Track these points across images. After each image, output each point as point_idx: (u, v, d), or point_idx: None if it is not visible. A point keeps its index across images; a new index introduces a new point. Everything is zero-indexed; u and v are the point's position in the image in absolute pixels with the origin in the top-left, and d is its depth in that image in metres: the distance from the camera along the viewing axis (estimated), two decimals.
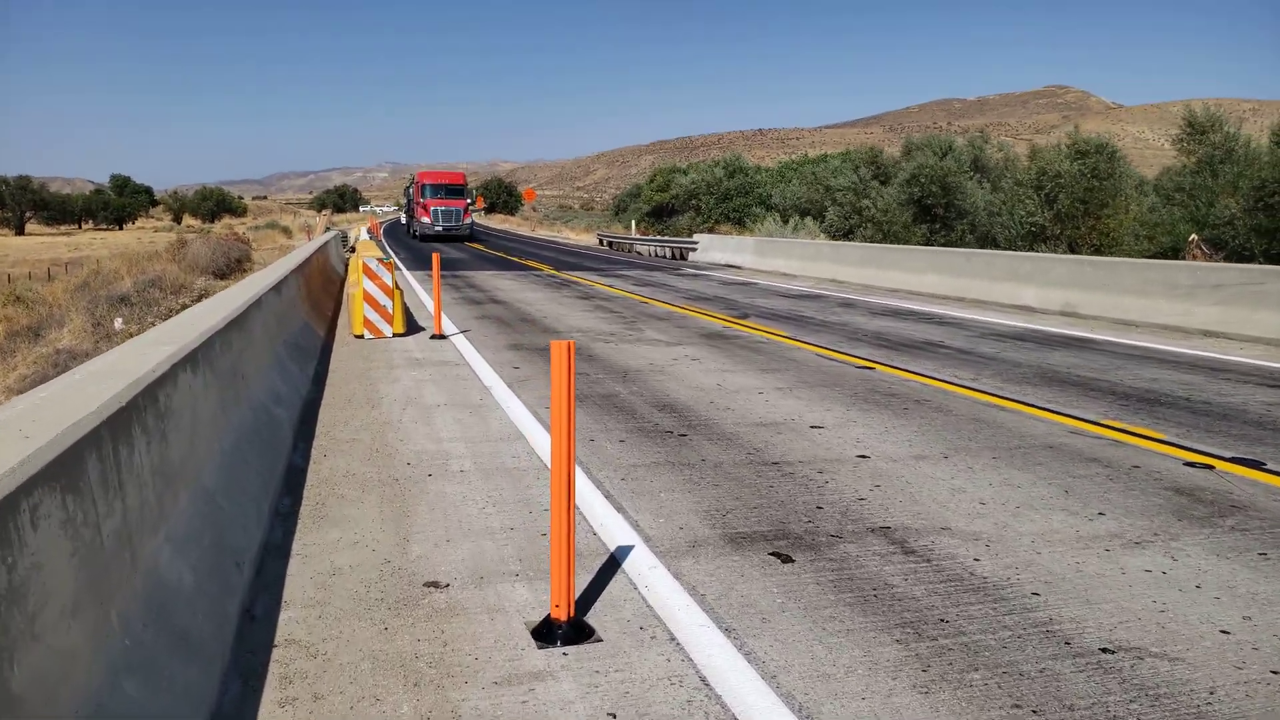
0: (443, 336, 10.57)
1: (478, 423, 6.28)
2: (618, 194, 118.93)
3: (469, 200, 44.02)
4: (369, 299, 10.28)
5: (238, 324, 5.18)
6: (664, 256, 31.22)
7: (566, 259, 28.93)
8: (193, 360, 3.73)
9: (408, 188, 53.62)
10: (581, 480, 4.86)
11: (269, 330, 6.69)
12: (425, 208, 41.72)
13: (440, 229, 41.18)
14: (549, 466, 5.00)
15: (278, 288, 7.80)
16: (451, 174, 45.40)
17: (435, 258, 11.36)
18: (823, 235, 32.23)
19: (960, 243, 36.65)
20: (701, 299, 15.71)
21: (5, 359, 20.95)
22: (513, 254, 31.54)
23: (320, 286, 12.97)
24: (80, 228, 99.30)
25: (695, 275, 21.60)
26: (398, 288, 10.60)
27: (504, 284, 18.55)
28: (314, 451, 5.44)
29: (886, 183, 42.74)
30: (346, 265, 22.47)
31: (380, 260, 10.34)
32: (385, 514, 4.31)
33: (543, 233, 62.55)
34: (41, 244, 69.64)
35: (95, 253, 49.94)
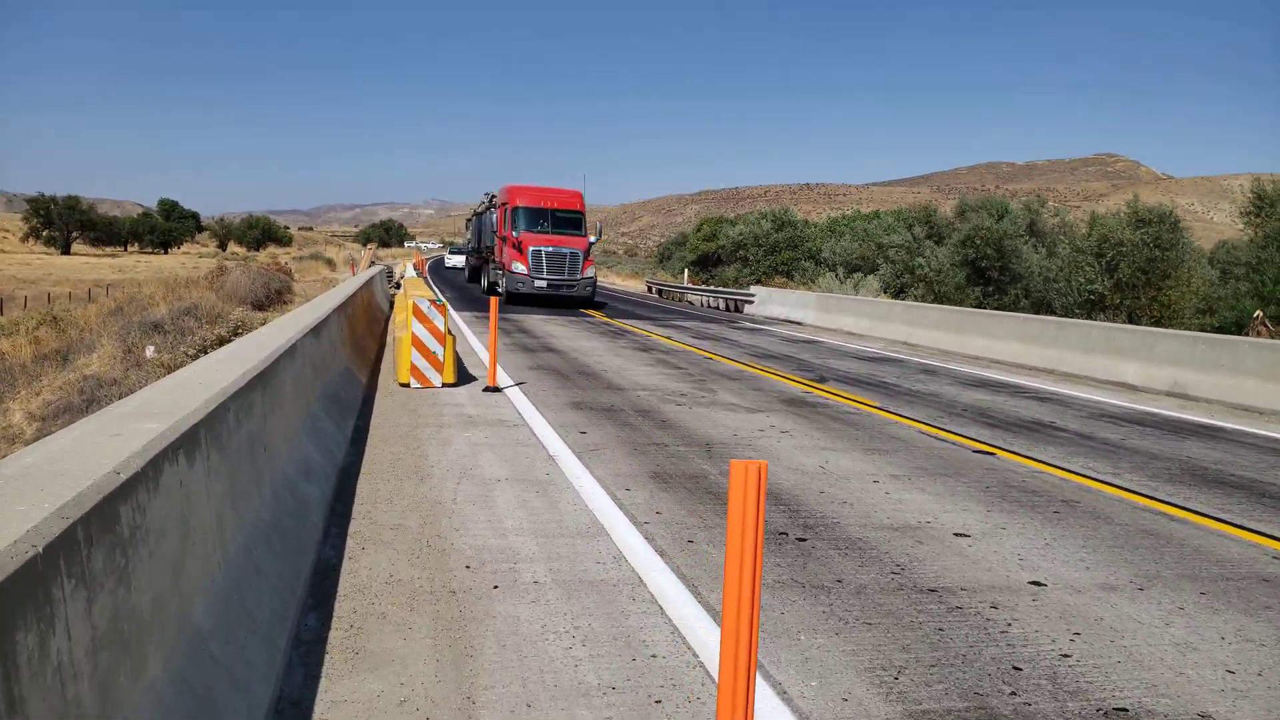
0: (497, 389, 9.55)
1: (547, 507, 5.19)
2: (662, 241, 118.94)
3: (591, 239, 26.15)
4: (418, 344, 9.32)
5: (264, 380, 4.18)
6: (717, 308, 30.22)
7: (618, 305, 28.03)
8: (191, 443, 2.70)
9: (480, 213, 33.91)
10: (692, 607, 3.74)
11: (303, 383, 5.71)
12: (519, 247, 24.35)
13: (545, 284, 24.18)
14: (644, 581, 3.89)
15: (316, 330, 6.84)
16: (564, 194, 26.50)
17: (494, 302, 10.37)
18: (883, 294, 31.05)
19: (1014, 307, 35.35)
20: (769, 356, 14.60)
21: (31, 383, 20.36)
22: None
23: (364, 326, 12.09)
24: (126, 250, 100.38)
25: (755, 330, 20.52)
26: (450, 333, 9.63)
27: (556, 330, 17.61)
28: (350, 541, 4.38)
29: (940, 243, 41.65)
30: (391, 303, 21.74)
31: (432, 302, 9.39)
32: (441, 652, 3.21)
33: None
34: (86, 264, 70.11)
35: (138, 275, 50.12)
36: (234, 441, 3.35)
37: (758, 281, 51.49)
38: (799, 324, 22.91)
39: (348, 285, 14.50)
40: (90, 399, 18.50)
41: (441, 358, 9.42)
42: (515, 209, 25.20)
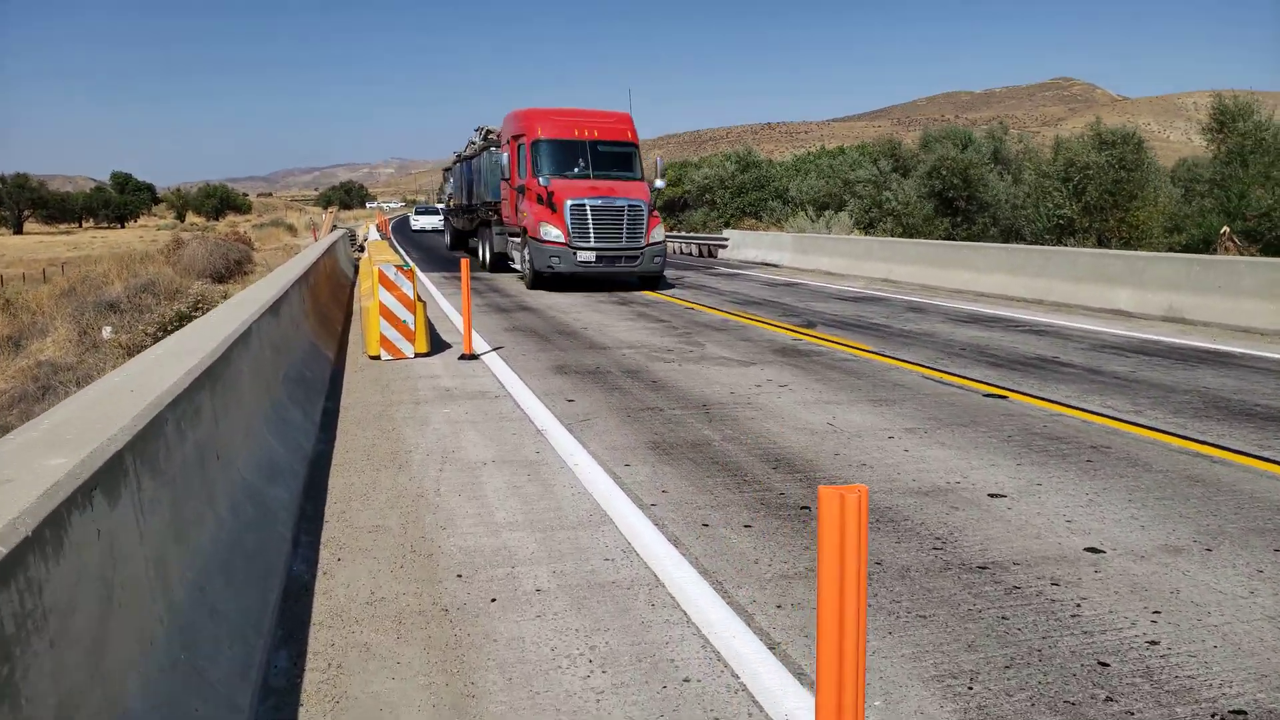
0: (474, 356, 8.99)
1: (542, 493, 4.70)
2: None
3: (658, 184, 17.82)
4: (386, 314, 8.71)
5: (213, 377, 3.62)
6: (690, 254, 29.62)
7: None
8: (114, 477, 2.16)
9: (468, 157, 24.28)
10: (720, 610, 3.28)
11: (263, 370, 5.14)
12: (548, 201, 15.94)
13: (594, 256, 15.91)
14: (661, 580, 3.43)
15: (275, 307, 6.24)
16: (608, 118, 17.49)
17: (464, 264, 9.70)
18: (856, 230, 30.57)
19: (982, 236, 35.22)
20: (751, 303, 14.11)
21: None
22: None
23: (329, 296, 11.42)
24: (81, 226, 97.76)
25: (733, 275, 19.99)
26: (420, 299, 9.02)
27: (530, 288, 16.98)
28: (323, 551, 3.87)
29: (906, 175, 41.29)
30: (356, 268, 20.93)
31: (399, 268, 8.75)
32: (438, 694, 2.72)
33: None
34: (39, 243, 68.17)
35: (94, 252, 48.53)
36: (176, 459, 2.80)
37: (727, 224, 50.79)
38: (776, 266, 22.40)
39: (309, 253, 13.75)
40: (45, 386, 17.70)
41: (413, 326, 8.83)
42: (537, 143, 16.48)
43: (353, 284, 17.26)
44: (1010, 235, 35.74)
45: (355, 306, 13.29)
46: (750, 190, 52.77)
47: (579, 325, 11.51)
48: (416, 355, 8.93)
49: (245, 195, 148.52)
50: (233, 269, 20.93)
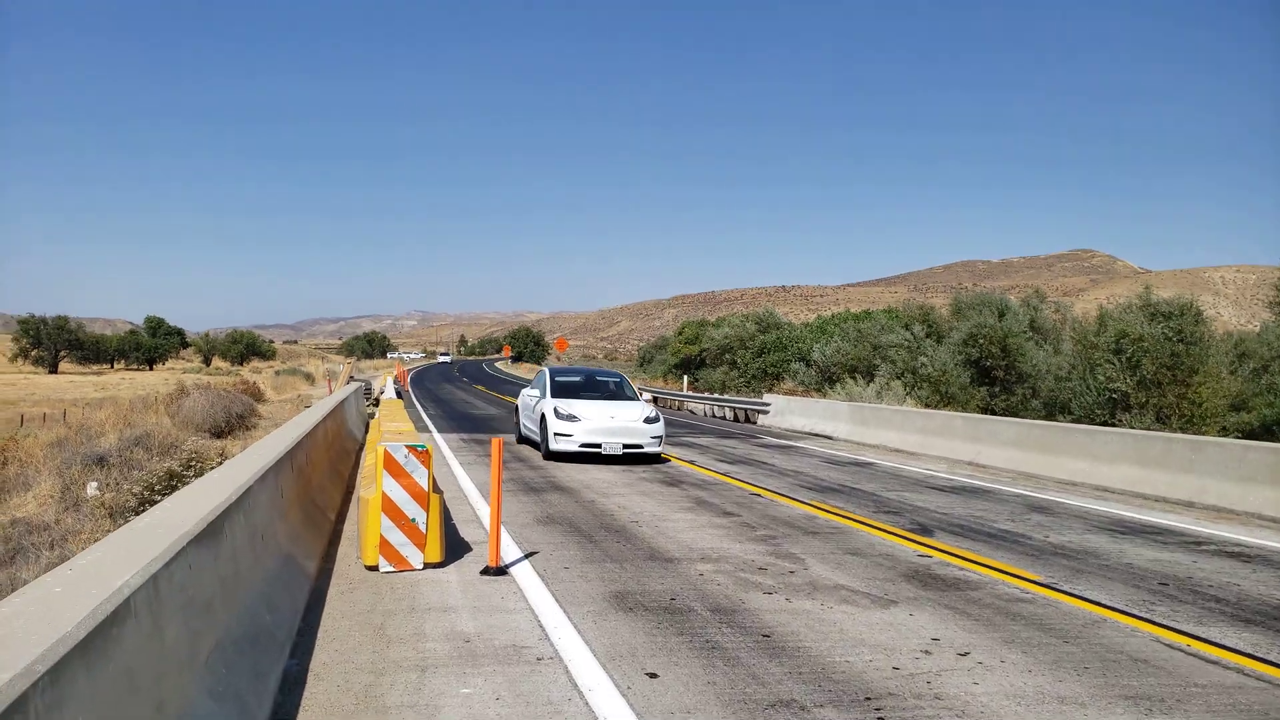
0: (501, 570, 6.70)
1: None
2: (641, 345, 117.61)
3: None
4: (391, 510, 6.52)
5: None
6: (723, 418, 27.60)
7: None
8: None
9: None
10: None
11: (169, 653, 2.91)
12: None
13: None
14: None
15: (214, 532, 4.08)
16: None
17: (497, 444, 7.46)
18: (910, 401, 28.55)
19: (1023, 408, 33.35)
20: (827, 489, 11.84)
21: None
22: None
23: (326, 470, 9.29)
24: (112, 368, 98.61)
25: (786, 448, 17.78)
26: (436, 490, 6.83)
27: None
28: None
29: (940, 341, 39.94)
30: (367, 426, 18.92)
31: (412, 449, 6.62)
32: None
33: None
34: (70, 383, 68.08)
35: (121, 393, 47.52)
36: None
37: (748, 384, 49.25)
38: (830, 439, 20.22)
39: (311, 414, 11.73)
40: (15, 549, 15.50)
41: (424, 527, 6.61)
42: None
43: (361, 446, 15.18)
44: (1054, 408, 33.76)
45: (358, 478, 11.12)
46: (772, 350, 51.55)
47: (628, 517, 9.24)
48: (426, 565, 6.66)
49: (271, 342, 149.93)
50: (234, 423, 19.00)
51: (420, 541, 6.61)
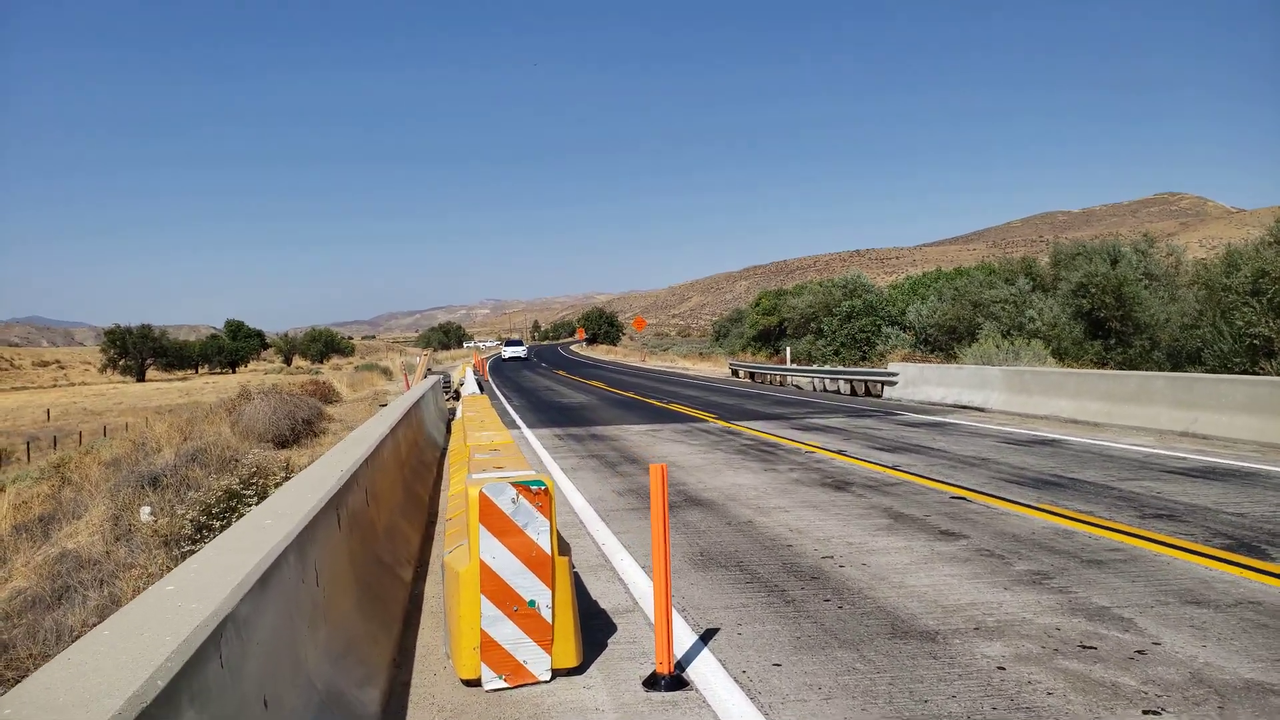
0: (678, 681, 4.12)
1: None
2: (715, 320, 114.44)
3: None
4: (494, 589, 4.00)
5: None
6: (835, 391, 24.68)
7: (715, 399, 22.63)
8: None
9: None
10: None
11: None
12: None
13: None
14: None
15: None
16: None
17: (657, 475, 4.57)
18: (1051, 360, 25.19)
19: (1143, 360, 30.03)
20: (1042, 484, 9.00)
21: (2, 564, 15.61)
22: (646, 394, 25.46)
23: (399, 500, 6.90)
24: (197, 372, 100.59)
25: (937, 426, 14.86)
26: (560, 551, 4.26)
27: (676, 452, 12.23)
28: None
29: (1046, 294, 36.47)
30: (449, 424, 16.67)
31: (522, 488, 4.05)
32: None
33: (655, 363, 56.88)
34: (156, 390, 68.95)
35: (204, 398, 47.13)
36: None
37: (835, 354, 46.04)
38: (981, 410, 17.20)
39: (380, 422, 9.36)
40: (63, 587, 13.70)
41: (549, 612, 4.08)
42: None
43: (442, 452, 12.87)
44: (1180, 359, 30.08)
45: (443, 510, 8.73)
46: (861, 315, 48.32)
47: (812, 547, 6.58)
48: (556, 674, 4.14)
49: (349, 338, 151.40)
50: (300, 430, 16.98)
51: (544, 636, 4.08)
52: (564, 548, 4.28)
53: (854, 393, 23.74)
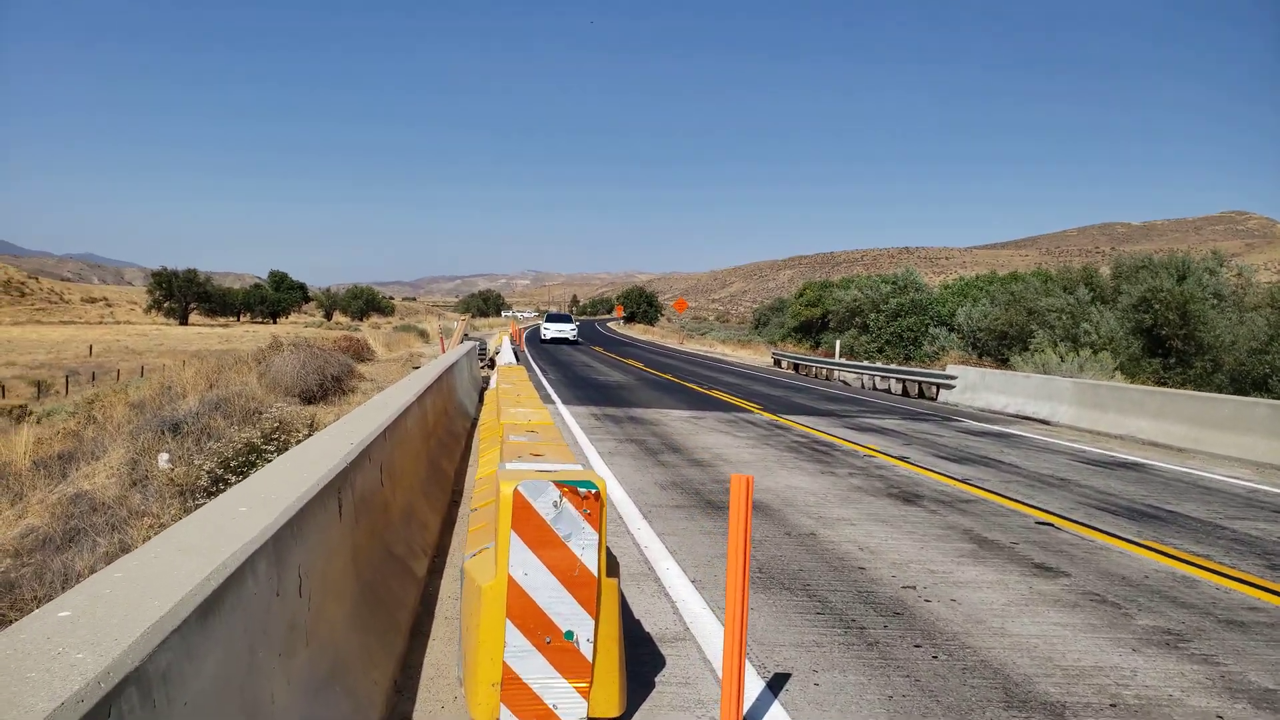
0: None
1: None
2: (755, 307, 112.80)
3: None
4: (524, 613, 3.15)
5: None
6: (885, 390, 23.58)
7: (759, 389, 21.65)
8: None
9: None
10: None
11: None
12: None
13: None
14: None
15: None
16: None
17: (740, 487, 3.65)
18: (1119, 375, 23.87)
19: (1204, 382, 28.65)
20: (1135, 515, 7.97)
21: (17, 500, 15.17)
22: (685, 377, 24.54)
23: (422, 475, 6.09)
24: (239, 320, 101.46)
25: (1002, 437, 13.78)
26: (609, 571, 3.38)
27: (721, 444, 11.32)
28: None
29: (1106, 306, 34.97)
30: (481, 393, 15.93)
31: (569, 490, 3.19)
32: None
33: (693, 346, 55.84)
34: (198, 334, 69.55)
35: (243, 345, 47.28)
36: None
37: (879, 351, 44.73)
38: (1045, 424, 16.05)
39: (407, 388, 8.57)
40: (74, 530, 13.22)
41: (589, 647, 3.22)
42: None
43: (473, 424, 12.10)
44: (1244, 385, 28.58)
45: (467, 481, 7.93)
46: (908, 314, 46.99)
47: (889, 572, 5.66)
48: None
49: (390, 298, 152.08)
50: (329, 387, 16.32)
51: (581, 676, 3.22)
52: (612, 566, 3.41)
53: (905, 393, 22.63)
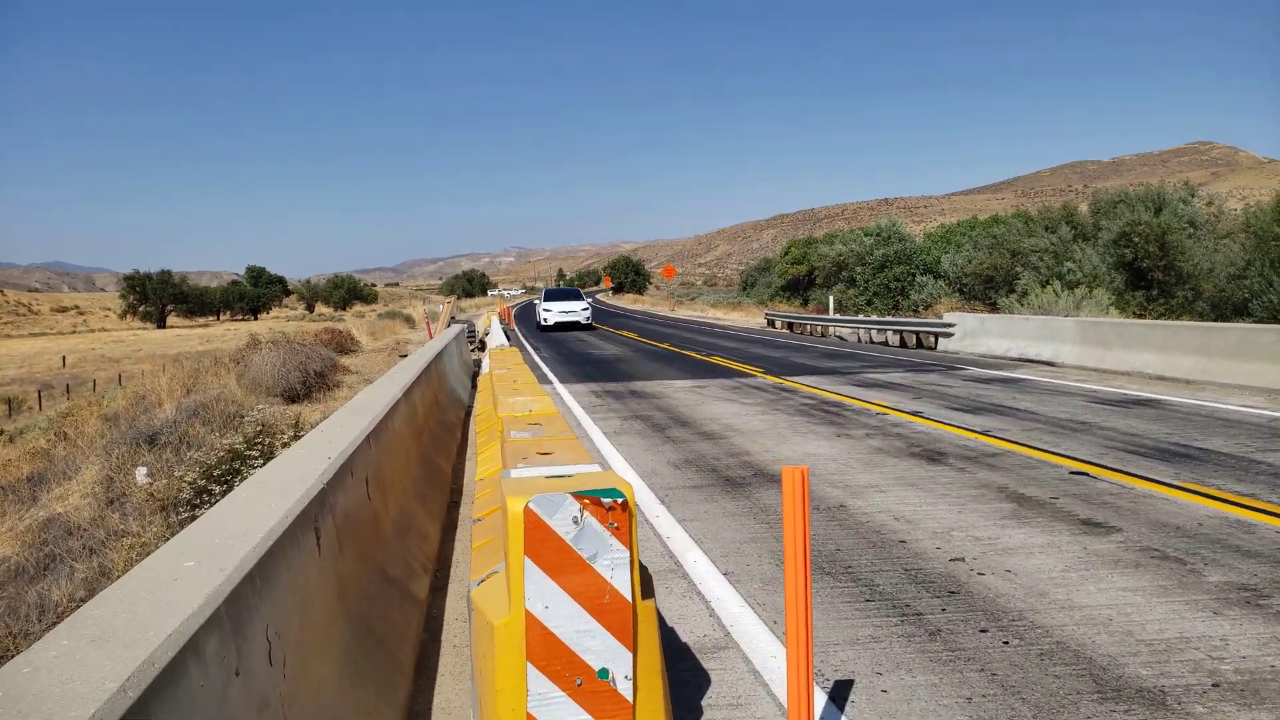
0: None
1: None
2: (742, 269, 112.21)
3: None
4: (546, 651, 2.64)
5: None
6: (883, 343, 23.16)
7: (758, 351, 21.18)
8: None
9: None
10: None
11: None
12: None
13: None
14: None
15: None
16: None
17: (793, 478, 3.13)
18: (1114, 311, 23.52)
19: (1185, 310, 28.71)
20: (1171, 456, 7.55)
21: None
22: (682, 345, 24.04)
23: (416, 477, 5.59)
24: (219, 319, 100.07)
25: (1010, 383, 13.35)
26: (644, 593, 2.87)
27: (729, 413, 10.84)
28: None
29: (1087, 243, 34.96)
30: (474, 378, 15.39)
31: (590, 502, 2.69)
32: None
33: (685, 313, 55.31)
34: (177, 337, 68.40)
35: (225, 344, 46.37)
36: None
37: (868, 304, 44.39)
38: (1051, 365, 15.65)
39: (389, 385, 8.02)
40: (49, 557, 12.71)
41: (628, 686, 2.72)
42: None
43: (467, 412, 11.59)
44: (1225, 311, 28.50)
45: (466, 477, 7.42)
46: (894, 264, 46.65)
47: (929, 541, 5.20)
48: None
49: (372, 285, 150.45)
50: (313, 383, 15.74)
51: (621, 717, 2.72)
52: (647, 584, 2.91)
53: (903, 344, 22.21)
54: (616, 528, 2.68)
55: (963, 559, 4.99)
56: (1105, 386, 12.63)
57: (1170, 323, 14.78)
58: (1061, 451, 8.00)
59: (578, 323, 34.00)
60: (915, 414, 10.48)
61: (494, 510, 4.06)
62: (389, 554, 4.19)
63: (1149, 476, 6.89)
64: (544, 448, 3.72)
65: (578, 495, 2.66)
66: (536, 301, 39.83)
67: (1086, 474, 7.09)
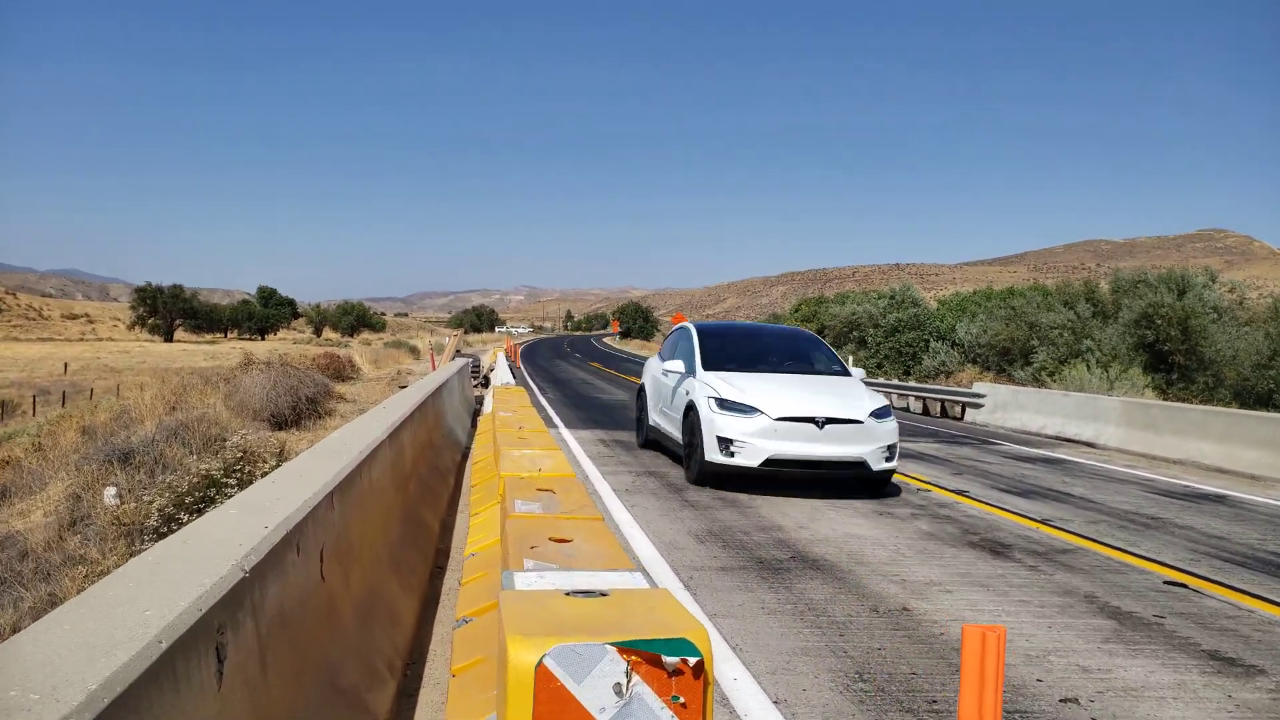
0: None
1: None
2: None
3: None
4: None
5: None
6: (904, 409, 22.13)
7: None
8: None
9: None
10: None
11: None
12: None
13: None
14: None
15: None
16: None
17: (979, 662, 2.16)
18: (1150, 392, 22.51)
19: (1208, 396, 27.95)
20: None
21: None
22: None
23: (394, 540, 4.57)
24: (226, 336, 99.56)
25: (1053, 463, 12.29)
26: (706, 707, 1.85)
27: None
28: None
29: (1106, 322, 34.28)
30: (474, 417, 14.40)
31: (635, 653, 1.69)
32: None
33: None
34: (183, 351, 67.65)
35: (229, 362, 45.53)
36: None
37: (879, 367, 43.47)
38: (1091, 446, 14.59)
39: (381, 418, 7.02)
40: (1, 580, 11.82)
41: None
42: None
43: (465, 453, 10.56)
44: (1248, 399, 27.62)
45: (456, 537, 6.36)
46: (906, 329, 45.87)
47: (1025, 668, 4.14)
48: None
49: (382, 314, 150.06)
50: (303, 409, 14.74)
51: None
52: (711, 694, 1.87)
53: (926, 412, 21.18)
54: (684, 705, 1.65)
55: (1076, 700, 3.92)
56: (1159, 475, 11.57)
57: (1231, 410, 13.76)
58: (1143, 554, 6.93)
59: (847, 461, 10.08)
60: (960, 493, 9.42)
61: (487, 609, 3.04)
62: (344, 651, 3.15)
63: (1268, 598, 5.82)
64: (559, 531, 2.71)
65: (624, 649, 1.63)
66: (657, 366, 11.73)
67: (1185, 585, 6.02)
